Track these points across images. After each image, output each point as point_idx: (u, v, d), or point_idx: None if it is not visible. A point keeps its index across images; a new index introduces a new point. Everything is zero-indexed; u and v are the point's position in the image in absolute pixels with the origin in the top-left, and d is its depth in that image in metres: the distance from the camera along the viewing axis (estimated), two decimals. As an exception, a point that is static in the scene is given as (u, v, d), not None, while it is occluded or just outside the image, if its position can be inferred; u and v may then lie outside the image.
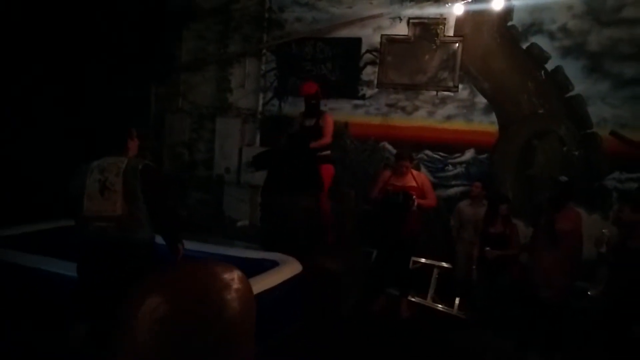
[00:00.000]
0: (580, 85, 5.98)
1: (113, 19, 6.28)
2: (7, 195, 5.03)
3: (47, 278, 3.68)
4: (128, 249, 3.08)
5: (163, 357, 0.79)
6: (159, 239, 3.22)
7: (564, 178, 4.94)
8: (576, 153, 6.04)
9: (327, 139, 5.62)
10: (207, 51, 7.47)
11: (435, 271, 5.94)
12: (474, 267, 5.62)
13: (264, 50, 7.26)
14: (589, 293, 4.96)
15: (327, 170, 5.84)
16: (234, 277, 0.88)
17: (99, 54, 6.17)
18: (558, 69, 6.08)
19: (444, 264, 5.97)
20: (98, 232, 3.06)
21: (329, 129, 5.68)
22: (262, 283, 3.79)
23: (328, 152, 5.84)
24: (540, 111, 6.21)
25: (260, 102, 7.32)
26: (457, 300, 5.69)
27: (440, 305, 5.78)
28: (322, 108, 6.21)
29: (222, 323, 0.83)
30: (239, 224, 7.04)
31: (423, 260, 6.02)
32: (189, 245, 3.49)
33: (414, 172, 5.63)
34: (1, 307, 3.76)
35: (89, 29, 6.05)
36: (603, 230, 4.96)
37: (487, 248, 5.25)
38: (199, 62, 7.49)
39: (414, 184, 5.47)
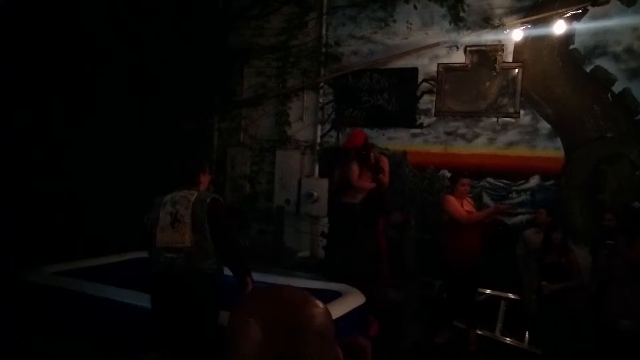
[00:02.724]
0: (651, 107, 5.73)
1: (178, 57, 6.61)
2: (80, 229, 5.31)
3: (120, 308, 3.84)
4: (195, 280, 3.19)
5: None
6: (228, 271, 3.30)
7: (636, 204, 4.70)
8: (650, 178, 5.74)
9: (386, 180, 5.53)
10: (266, 86, 7.70)
11: (503, 303, 5.73)
12: (534, 297, 5.39)
13: (322, 84, 7.41)
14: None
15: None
16: (314, 299, 0.99)
17: (166, 90, 6.49)
18: (626, 91, 5.86)
19: (511, 296, 5.75)
20: (167, 263, 3.19)
21: (387, 169, 5.58)
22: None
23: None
24: (609, 135, 5.97)
25: (319, 134, 7.45)
26: (527, 334, 5.45)
27: (509, 339, 5.56)
28: (380, 137, 6.40)
29: (313, 332, 0.93)
30: (300, 254, 7.10)
31: (488, 291, 5.82)
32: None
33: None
34: (77, 337, 3.95)
35: (156, 65, 6.37)
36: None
37: (543, 282, 5.03)
38: (259, 97, 7.72)
39: (472, 208, 5.38)
